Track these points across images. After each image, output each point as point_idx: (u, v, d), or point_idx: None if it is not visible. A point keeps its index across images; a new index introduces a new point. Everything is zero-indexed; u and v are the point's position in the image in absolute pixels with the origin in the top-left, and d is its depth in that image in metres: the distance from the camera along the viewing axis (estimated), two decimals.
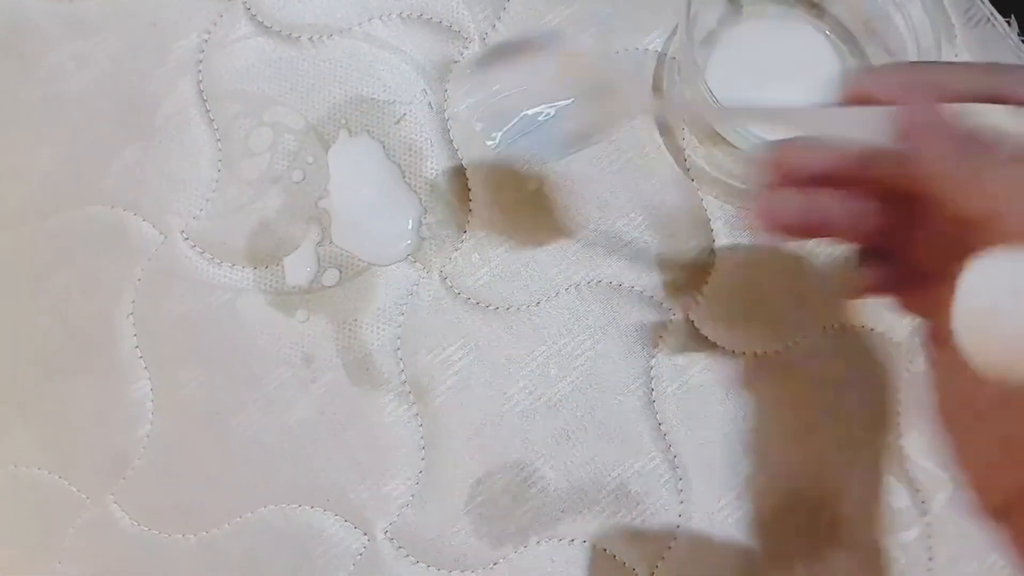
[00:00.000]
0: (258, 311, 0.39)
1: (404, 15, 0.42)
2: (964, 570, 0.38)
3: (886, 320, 0.39)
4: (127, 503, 0.38)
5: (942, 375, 0.24)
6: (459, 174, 0.40)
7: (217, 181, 0.40)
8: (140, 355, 0.39)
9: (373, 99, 0.41)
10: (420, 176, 0.40)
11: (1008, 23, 0.41)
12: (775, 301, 0.40)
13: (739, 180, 0.39)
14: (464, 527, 0.38)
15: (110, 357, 0.39)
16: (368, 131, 0.41)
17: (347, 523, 0.38)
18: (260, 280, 0.40)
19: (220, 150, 0.41)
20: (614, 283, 0.40)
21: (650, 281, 0.39)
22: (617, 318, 0.39)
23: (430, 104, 0.41)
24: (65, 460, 0.39)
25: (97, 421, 0.39)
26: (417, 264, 0.40)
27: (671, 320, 0.39)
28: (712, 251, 0.40)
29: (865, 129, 0.25)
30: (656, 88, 0.41)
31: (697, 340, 0.39)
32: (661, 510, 0.38)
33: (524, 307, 0.39)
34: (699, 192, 0.40)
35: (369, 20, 0.42)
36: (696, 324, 0.39)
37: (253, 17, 0.42)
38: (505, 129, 0.33)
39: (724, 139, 0.38)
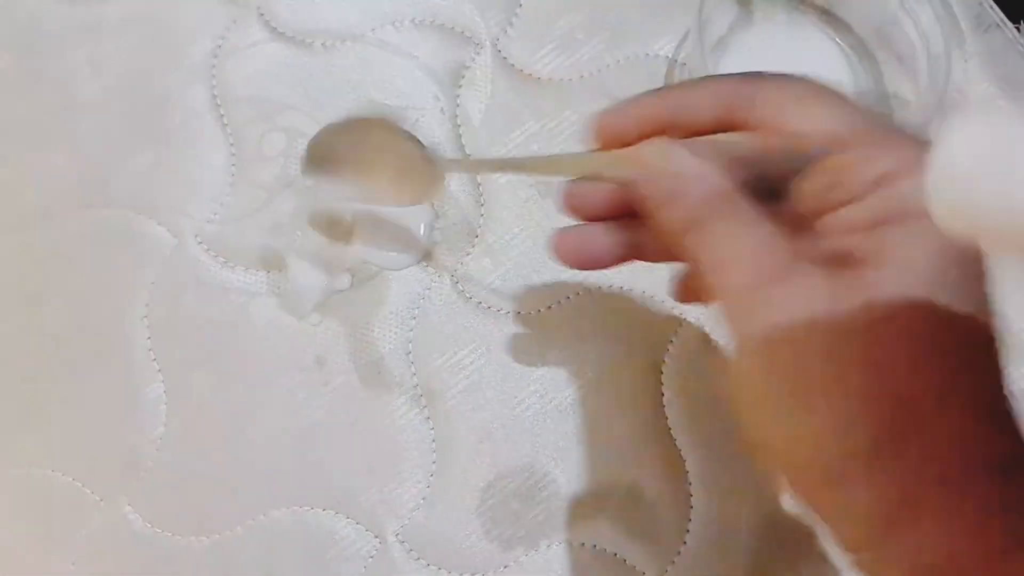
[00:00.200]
0: (271, 314, 0.40)
1: (417, 21, 0.42)
2: None
3: None
4: (140, 505, 0.39)
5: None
6: (471, 179, 0.41)
7: (231, 185, 0.41)
8: (154, 358, 0.40)
9: (385, 104, 0.41)
10: None
11: (1018, 29, 0.41)
12: None
13: None
14: (475, 530, 0.38)
15: (124, 360, 0.40)
16: None
17: (359, 526, 0.38)
18: (273, 284, 0.40)
19: (234, 154, 0.41)
20: (625, 288, 0.40)
21: (661, 287, 0.40)
22: (628, 323, 0.39)
23: (442, 109, 0.41)
24: (79, 462, 0.39)
25: (111, 423, 0.39)
26: (429, 268, 0.40)
27: (681, 325, 0.39)
28: None
29: (612, 172, 0.27)
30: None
31: (708, 346, 0.39)
32: (671, 514, 0.38)
33: (535, 311, 0.40)
34: None
35: (382, 26, 0.42)
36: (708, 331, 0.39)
37: (267, 23, 0.42)
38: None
39: None
